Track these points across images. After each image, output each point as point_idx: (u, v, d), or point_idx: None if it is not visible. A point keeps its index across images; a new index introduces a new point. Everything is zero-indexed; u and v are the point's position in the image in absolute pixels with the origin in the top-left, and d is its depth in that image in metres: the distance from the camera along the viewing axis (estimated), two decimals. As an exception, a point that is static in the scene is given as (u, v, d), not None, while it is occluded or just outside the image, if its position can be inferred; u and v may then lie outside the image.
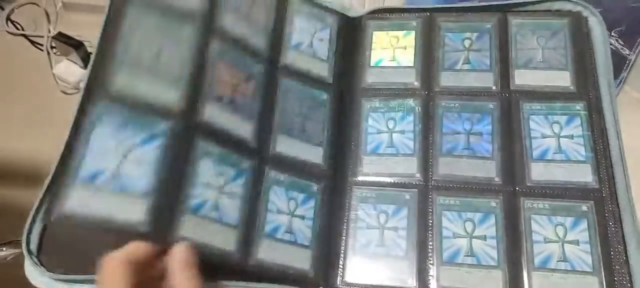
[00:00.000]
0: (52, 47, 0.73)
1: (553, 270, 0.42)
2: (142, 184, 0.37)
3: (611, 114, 0.47)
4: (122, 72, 0.40)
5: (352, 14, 0.57)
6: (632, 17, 0.54)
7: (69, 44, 0.68)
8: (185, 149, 0.40)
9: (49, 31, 0.74)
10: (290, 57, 0.52)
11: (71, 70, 0.70)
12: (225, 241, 0.40)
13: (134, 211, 0.36)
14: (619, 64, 0.56)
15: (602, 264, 0.42)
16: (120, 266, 0.31)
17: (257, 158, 0.45)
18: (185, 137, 0.41)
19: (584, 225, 0.43)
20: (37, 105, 0.70)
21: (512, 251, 0.43)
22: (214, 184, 0.41)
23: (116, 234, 0.35)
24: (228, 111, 0.44)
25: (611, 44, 0.51)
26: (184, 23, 0.44)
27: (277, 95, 0.49)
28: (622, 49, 0.56)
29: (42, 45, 0.74)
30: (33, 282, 0.38)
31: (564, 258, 0.43)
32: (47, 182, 0.37)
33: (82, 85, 0.40)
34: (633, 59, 0.55)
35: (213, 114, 0.43)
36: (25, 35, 0.75)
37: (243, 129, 0.45)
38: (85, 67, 0.70)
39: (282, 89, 0.49)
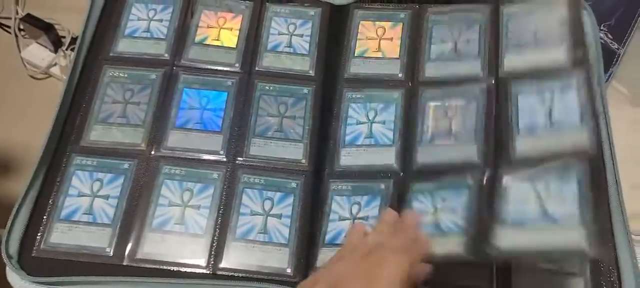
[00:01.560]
0: (20, 30, 0.70)
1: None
2: (109, 215, 0.45)
3: (601, 107, 0.46)
4: (95, 127, 0.48)
5: (338, 2, 0.55)
6: (622, 11, 0.54)
7: (38, 26, 0.65)
8: (148, 178, 0.46)
9: (17, 13, 0.70)
10: (267, 61, 0.52)
11: (40, 54, 0.67)
12: (194, 250, 0.43)
13: (102, 239, 0.44)
14: (608, 58, 0.55)
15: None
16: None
17: (227, 166, 0.47)
18: (147, 168, 0.47)
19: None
20: (3, 90, 0.66)
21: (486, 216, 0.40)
22: (179, 201, 0.45)
23: (88, 256, 0.43)
24: (194, 131, 0.48)
25: (600, 38, 0.50)
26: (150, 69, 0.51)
27: (252, 100, 0.50)
28: (611, 43, 0.56)
29: (9, 27, 0.70)
30: (15, 286, 0.42)
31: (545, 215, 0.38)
32: (26, 209, 0.45)
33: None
34: (622, 54, 0.55)
35: (178, 139, 0.48)
36: (-9, 17, 0.71)
37: (211, 143, 0.48)
38: (55, 50, 0.67)
39: (258, 93, 0.50)
